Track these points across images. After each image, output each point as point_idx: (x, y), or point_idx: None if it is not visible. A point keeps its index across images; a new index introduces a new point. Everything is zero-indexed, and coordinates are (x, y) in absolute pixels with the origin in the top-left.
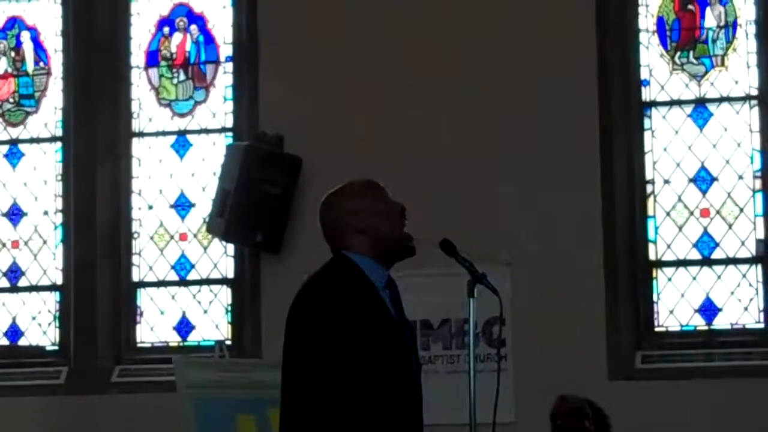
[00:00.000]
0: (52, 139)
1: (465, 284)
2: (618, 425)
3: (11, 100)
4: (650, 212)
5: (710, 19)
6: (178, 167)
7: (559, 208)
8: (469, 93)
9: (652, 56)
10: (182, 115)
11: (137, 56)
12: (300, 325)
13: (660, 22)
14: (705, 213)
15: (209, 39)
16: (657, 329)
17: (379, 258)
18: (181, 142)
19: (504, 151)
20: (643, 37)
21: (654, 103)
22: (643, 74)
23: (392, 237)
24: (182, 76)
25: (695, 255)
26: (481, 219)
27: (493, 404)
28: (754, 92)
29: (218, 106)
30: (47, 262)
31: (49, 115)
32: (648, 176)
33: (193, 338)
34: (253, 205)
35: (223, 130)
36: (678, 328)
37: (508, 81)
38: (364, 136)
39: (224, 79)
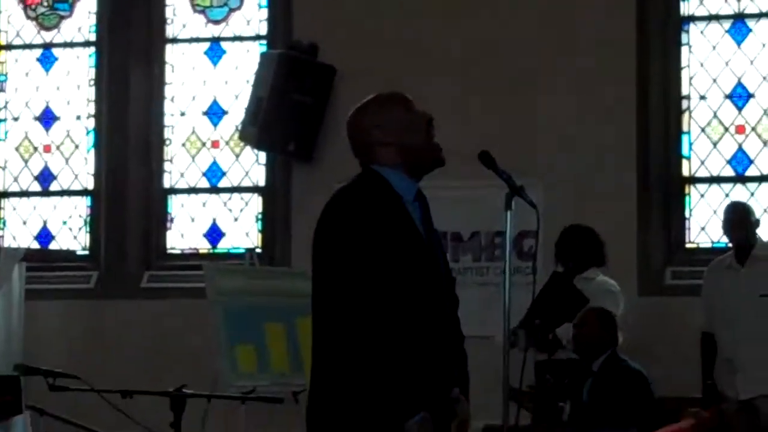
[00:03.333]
0: (86, 43)
1: (500, 197)
2: (647, 340)
3: (45, 3)
4: (685, 128)
5: None
6: (212, 74)
7: (593, 124)
8: (506, 11)
9: None
10: (216, 22)
11: None
12: (326, 239)
13: None
14: (740, 130)
15: None
16: (688, 245)
17: (408, 170)
18: (215, 49)
19: (539, 65)
20: None
21: (692, 18)
22: None
23: (419, 148)
24: None
25: (729, 172)
26: (516, 134)
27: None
28: None
29: (253, 13)
30: (79, 167)
31: (83, 19)
32: (684, 92)
33: (223, 245)
34: (285, 114)
35: (258, 37)
36: (709, 245)
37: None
38: (399, 46)
39: None
